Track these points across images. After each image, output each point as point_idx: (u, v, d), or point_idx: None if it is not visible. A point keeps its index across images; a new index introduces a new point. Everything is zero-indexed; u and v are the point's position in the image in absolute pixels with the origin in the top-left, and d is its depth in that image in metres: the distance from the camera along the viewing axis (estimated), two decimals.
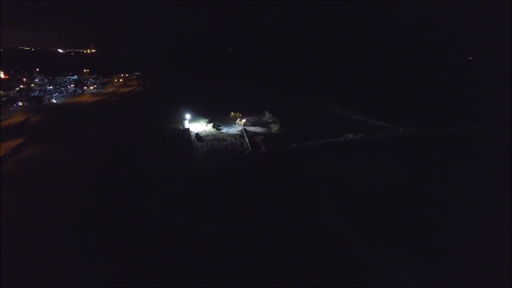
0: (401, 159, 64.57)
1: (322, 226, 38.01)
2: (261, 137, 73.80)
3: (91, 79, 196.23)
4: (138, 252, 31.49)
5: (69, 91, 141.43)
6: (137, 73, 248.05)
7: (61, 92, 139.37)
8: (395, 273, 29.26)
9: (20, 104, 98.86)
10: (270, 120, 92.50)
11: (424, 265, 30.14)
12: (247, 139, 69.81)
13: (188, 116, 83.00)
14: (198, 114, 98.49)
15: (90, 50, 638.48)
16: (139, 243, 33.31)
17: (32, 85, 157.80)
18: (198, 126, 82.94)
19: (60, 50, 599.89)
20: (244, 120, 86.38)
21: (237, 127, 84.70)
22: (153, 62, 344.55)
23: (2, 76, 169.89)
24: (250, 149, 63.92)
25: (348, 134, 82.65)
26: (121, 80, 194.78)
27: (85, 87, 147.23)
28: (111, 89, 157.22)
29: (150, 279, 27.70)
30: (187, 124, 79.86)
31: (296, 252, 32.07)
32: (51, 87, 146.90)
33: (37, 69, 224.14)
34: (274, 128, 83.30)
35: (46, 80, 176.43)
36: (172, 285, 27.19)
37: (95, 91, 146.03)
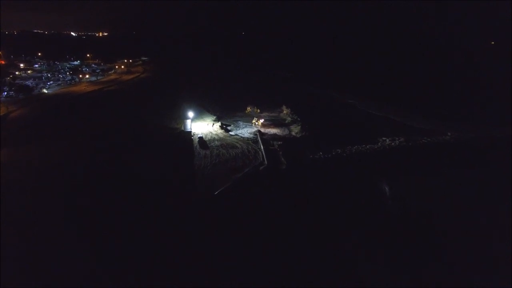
0: (466, 176, 49.92)
1: None
2: (279, 142, 59.70)
3: (93, 65, 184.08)
4: None
5: (66, 79, 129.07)
6: (144, 58, 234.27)
7: (58, 80, 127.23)
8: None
9: None
10: (289, 118, 77.91)
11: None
12: (262, 147, 55.88)
13: (191, 114, 69.21)
14: (205, 108, 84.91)
15: (102, 33, 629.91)
16: None
17: (29, 71, 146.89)
18: (203, 126, 69.18)
19: (73, 33, 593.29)
20: (262, 120, 71.70)
21: (249, 127, 70.77)
22: (163, 48, 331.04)
23: None
24: (266, 162, 50.07)
25: (385, 139, 67.85)
26: (125, 66, 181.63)
27: (81, 75, 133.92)
28: (112, 76, 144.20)
29: None
30: (189, 124, 66.01)
31: None
32: (47, 74, 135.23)
33: (39, 53, 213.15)
34: (295, 129, 68.75)
35: (44, 66, 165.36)
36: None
37: (94, 78, 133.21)
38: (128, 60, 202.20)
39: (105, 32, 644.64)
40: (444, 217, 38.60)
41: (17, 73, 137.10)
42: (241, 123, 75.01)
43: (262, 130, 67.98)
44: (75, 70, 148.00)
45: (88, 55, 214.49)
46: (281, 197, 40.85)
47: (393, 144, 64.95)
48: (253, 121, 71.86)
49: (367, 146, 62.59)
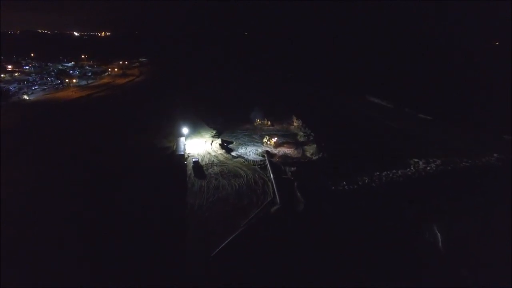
0: None
1: None
2: (292, 169, 48.62)
3: (87, 66, 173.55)
4: None
5: (54, 82, 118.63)
6: (142, 59, 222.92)
7: (45, 83, 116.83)
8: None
9: None
10: (301, 133, 66.64)
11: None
12: (272, 176, 44.82)
13: (185, 130, 58.23)
14: (204, 119, 73.77)
15: (105, 33, 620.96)
16: None
17: (16, 73, 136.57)
18: (201, 144, 58.17)
19: (76, 33, 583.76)
20: (275, 139, 60.00)
21: (256, 143, 59.79)
22: (162, 48, 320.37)
23: None
24: (278, 200, 39.02)
25: (417, 161, 56.73)
26: (120, 68, 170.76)
27: (67, 80, 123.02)
28: (105, 80, 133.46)
29: None
30: (182, 144, 54.72)
31: None
32: (32, 77, 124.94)
33: (32, 54, 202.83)
34: (310, 150, 57.49)
35: (32, 68, 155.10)
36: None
37: (84, 82, 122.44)
38: (124, 62, 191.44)
39: (108, 32, 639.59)
40: None
41: (2, 75, 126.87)
42: (241, 135, 64.83)
43: (272, 149, 56.97)
44: (64, 73, 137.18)
45: (83, 56, 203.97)
46: (300, 258, 29.88)
47: (428, 168, 53.92)
48: (264, 140, 60.33)
49: (399, 172, 51.57)
